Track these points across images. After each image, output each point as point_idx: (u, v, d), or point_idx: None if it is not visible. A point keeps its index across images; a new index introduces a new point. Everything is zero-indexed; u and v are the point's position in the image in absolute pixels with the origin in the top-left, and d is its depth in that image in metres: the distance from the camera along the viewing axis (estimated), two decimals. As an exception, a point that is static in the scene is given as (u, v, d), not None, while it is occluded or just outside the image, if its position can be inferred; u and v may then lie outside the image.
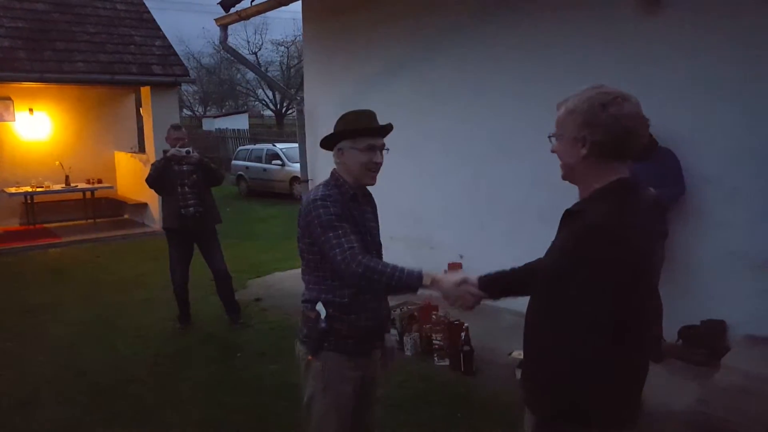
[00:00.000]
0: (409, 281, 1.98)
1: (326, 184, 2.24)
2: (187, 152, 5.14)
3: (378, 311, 2.27)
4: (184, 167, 5.18)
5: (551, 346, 1.58)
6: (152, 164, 5.44)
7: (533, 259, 2.05)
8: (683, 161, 4.10)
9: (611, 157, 1.56)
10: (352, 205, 2.21)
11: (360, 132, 2.18)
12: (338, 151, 2.23)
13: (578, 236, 1.53)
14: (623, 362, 1.57)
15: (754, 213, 4.00)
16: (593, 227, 1.50)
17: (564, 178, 1.69)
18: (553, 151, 1.70)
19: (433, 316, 4.54)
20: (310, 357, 2.21)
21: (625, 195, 1.55)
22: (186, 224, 5.20)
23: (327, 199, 2.14)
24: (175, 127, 5.49)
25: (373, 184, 2.27)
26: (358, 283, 2.07)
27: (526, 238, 5.13)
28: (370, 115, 2.23)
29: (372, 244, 2.26)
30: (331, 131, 2.24)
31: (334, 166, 2.29)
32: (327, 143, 2.27)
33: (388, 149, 2.26)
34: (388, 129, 2.24)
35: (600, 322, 1.49)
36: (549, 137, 1.69)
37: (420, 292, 2.08)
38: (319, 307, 2.16)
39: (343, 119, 2.24)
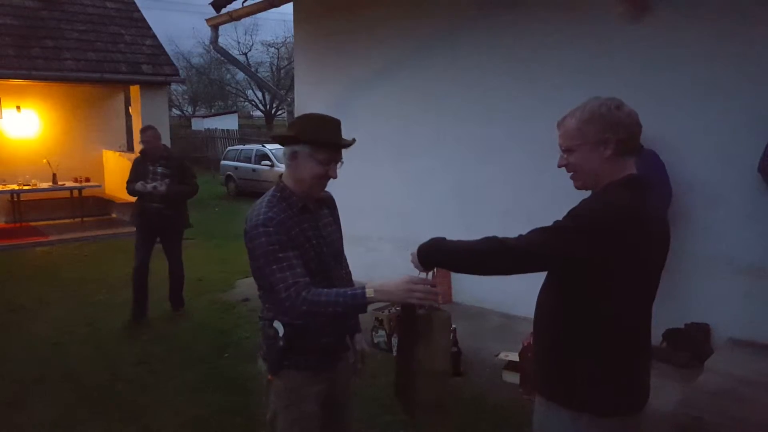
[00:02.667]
0: (353, 302, 1.87)
1: (270, 200, 2.06)
2: (154, 188, 5.23)
3: (338, 326, 2.15)
4: (159, 169, 5.26)
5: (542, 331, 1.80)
6: (132, 169, 5.48)
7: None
8: (669, 166, 4.14)
9: (628, 152, 1.70)
10: (302, 218, 2.05)
11: (325, 144, 2.01)
12: (292, 155, 2.05)
13: (569, 212, 1.65)
14: (609, 347, 1.68)
15: (737, 218, 4.07)
16: (581, 203, 1.65)
17: (581, 187, 1.76)
18: (561, 165, 1.77)
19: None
20: (270, 376, 2.13)
21: (632, 188, 1.67)
22: (151, 218, 5.33)
23: (269, 224, 1.95)
24: (143, 129, 5.51)
25: (319, 196, 2.15)
26: (304, 320, 1.95)
27: (514, 241, 5.20)
28: (336, 126, 2.07)
29: (329, 254, 2.13)
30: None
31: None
32: (282, 139, 2.11)
33: (342, 162, 2.09)
34: (351, 144, 2.09)
35: (579, 299, 1.64)
36: (563, 153, 1.76)
37: (372, 307, 2.01)
38: (277, 324, 2.06)
39: (306, 122, 2.07)
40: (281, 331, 2.05)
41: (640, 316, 1.75)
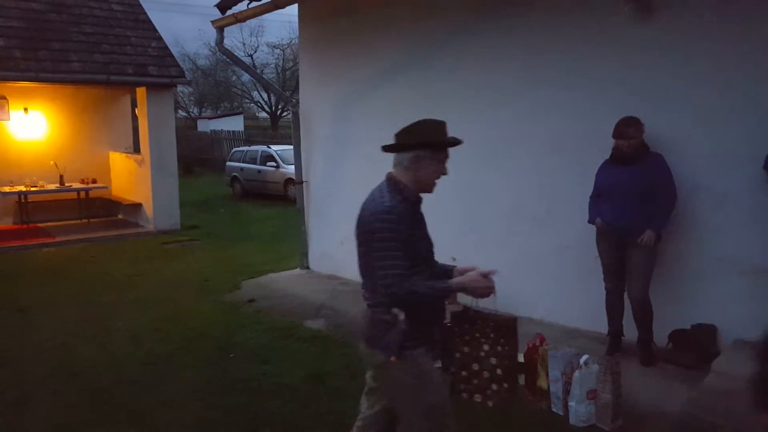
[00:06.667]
0: (440, 292, 2.26)
1: (390, 191, 2.25)
2: None
3: (442, 308, 2.39)
4: None
5: None
6: None
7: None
8: (674, 167, 4.12)
9: None
10: (414, 210, 2.29)
11: (446, 144, 2.25)
12: (414, 158, 2.24)
13: None
14: None
15: (744, 218, 4.05)
16: None
17: None
18: None
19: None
20: (393, 359, 2.23)
21: None
22: None
23: (393, 212, 2.16)
24: None
25: (431, 192, 2.36)
26: (396, 303, 2.18)
27: (519, 242, 5.18)
28: (446, 128, 2.29)
29: (430, 246, 2.39)
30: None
31: (392, 171, 2.31)
32: (396, 147, 2.29)
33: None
34: (461, 142, 2.33)
35: None
36: None
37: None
38: (396, 309, 2.21)
39: (424, 128, 2.25)
40: (402, 315, 2.19)
41: None
